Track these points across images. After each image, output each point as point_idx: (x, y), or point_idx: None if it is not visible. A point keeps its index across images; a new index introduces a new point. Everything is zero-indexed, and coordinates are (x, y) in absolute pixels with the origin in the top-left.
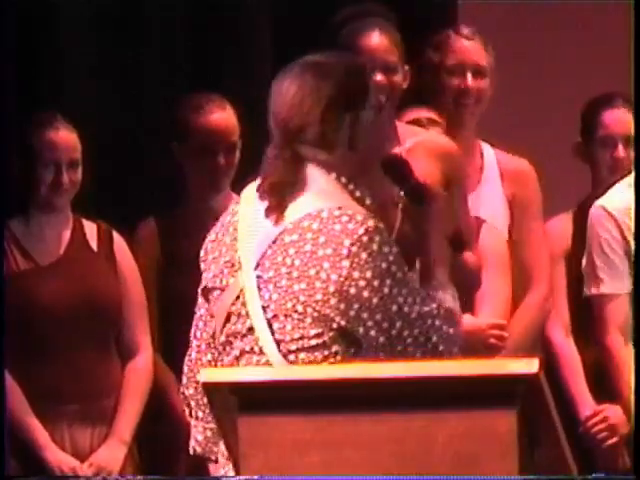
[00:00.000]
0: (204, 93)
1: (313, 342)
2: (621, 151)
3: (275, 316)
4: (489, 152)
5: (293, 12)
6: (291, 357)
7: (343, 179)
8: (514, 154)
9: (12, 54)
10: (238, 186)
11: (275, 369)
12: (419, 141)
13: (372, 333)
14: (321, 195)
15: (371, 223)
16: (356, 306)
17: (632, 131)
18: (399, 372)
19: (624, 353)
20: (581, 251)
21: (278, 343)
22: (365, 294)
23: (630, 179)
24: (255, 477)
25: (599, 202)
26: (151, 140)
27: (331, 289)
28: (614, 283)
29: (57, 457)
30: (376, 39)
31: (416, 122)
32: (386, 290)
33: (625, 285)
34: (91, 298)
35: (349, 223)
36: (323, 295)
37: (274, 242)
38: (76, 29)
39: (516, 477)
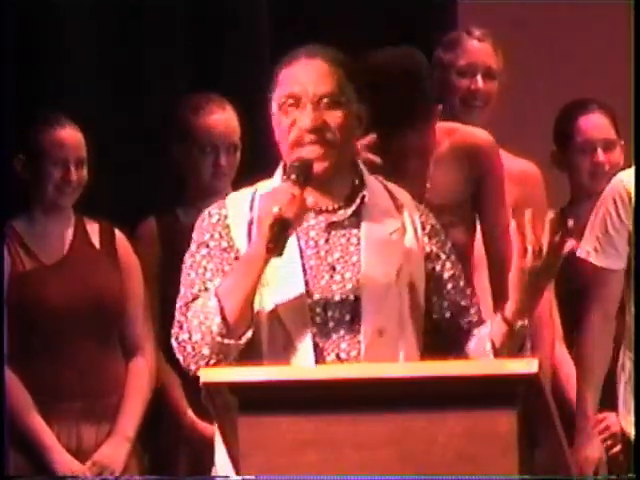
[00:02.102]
0: (204, 93)
1: None
2: (600, 155)
3: None
4: None
5: (293, 12)
6: None
7: None
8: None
9: (12, 54)
10: (238, 186)
11: (275, 369)
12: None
13: None
14: None
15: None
16: None
17: (610, 135)
18: (399, 372)
19: (603, 328)
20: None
21: None
22: None
23: None
24: (255, 477)
25: (621, 176)
26: (151, 140)
27: None
28: (607, 258)
29: (63, 458)
30: None
31: None
32: None
33: (616, 263)
34: (96, 296)
35: None
36: None
37: None
38: (76, 29)
39: (516, 477)
